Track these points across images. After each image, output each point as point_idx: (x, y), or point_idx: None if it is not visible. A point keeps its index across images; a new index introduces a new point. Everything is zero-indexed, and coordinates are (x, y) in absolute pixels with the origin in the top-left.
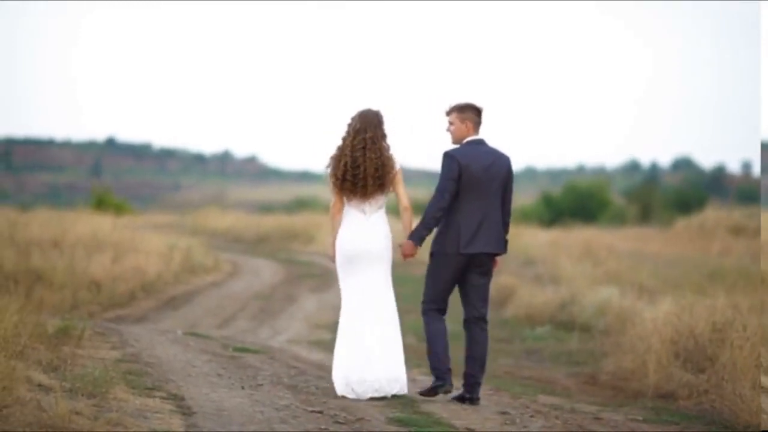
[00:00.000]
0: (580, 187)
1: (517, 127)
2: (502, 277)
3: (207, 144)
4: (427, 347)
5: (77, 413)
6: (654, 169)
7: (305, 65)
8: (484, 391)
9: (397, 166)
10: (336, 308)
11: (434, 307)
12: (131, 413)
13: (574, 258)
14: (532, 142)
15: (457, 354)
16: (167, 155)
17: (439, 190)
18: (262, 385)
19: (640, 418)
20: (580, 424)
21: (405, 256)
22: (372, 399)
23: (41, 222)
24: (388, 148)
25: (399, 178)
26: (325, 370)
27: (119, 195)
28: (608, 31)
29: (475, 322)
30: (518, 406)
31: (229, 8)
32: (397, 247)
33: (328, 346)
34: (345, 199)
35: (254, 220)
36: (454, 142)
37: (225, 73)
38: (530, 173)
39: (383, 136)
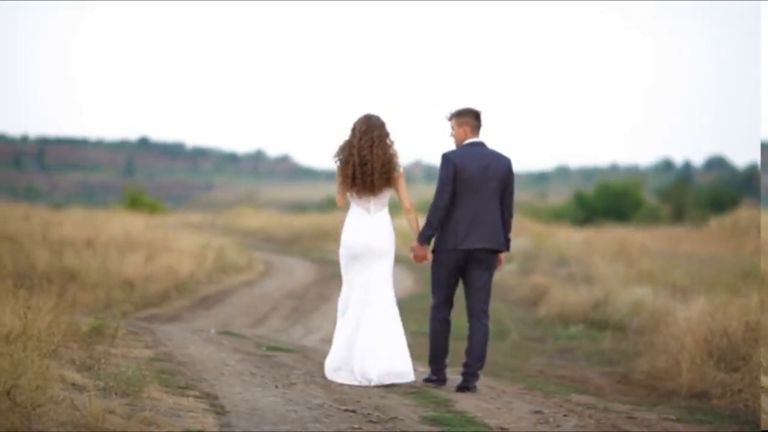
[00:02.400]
0: (613, 186)
1: (550, 126)
2: (535, 276)
3: (240, 143)
4: (429, 342)
5: (111, 412)
6: (687, 168)
7: (338, 65)
8: (517, 391)
9: (401, 168)
10: None
11: (439, 301)
12: (164, 412)
13: (607, 257)
14: (565, 141)
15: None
16: (200, 155)
17: (438, 191)
18: (295, 384)
19: (674, 418)
20: (614, 423)
21: (417, 258)
22: (391, 392)
23: (74, 221)
24: (392, 145)
25: (402, 181)
26: None
27: (152, 194)
28: (642, 29)
29: (475, 316)
30: (551, 405)
31: (265, 8)
32: (409, 250)
33: None
34: (352, 196)
35: (287, 219)
36: (456, 145)
37: (258, 73)
38: (563, 172)
39: (388, 136)
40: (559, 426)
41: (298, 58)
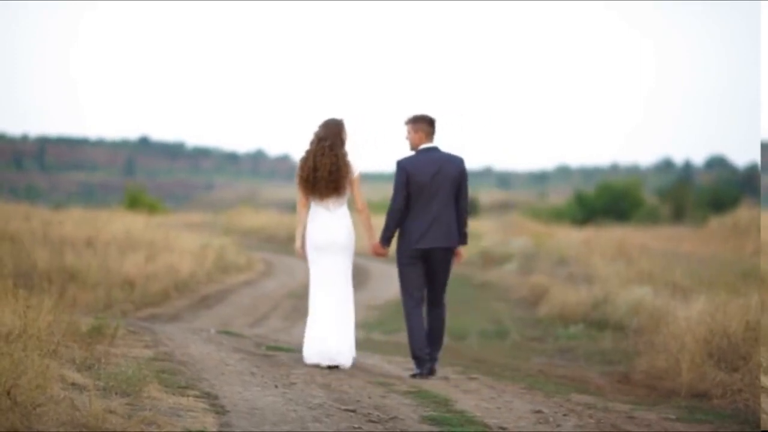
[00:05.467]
0: (614, 186)
1: (551, 125)
2: (535, 276)
3: (240, 143)
4: (408, 336)
5: (111, 412)
6: (687, 167)
7: (339, 65)
8: (517, 390)
9: (356, 172)
10: (370, 307)
11: (410, 299)
12: (165, 412)
13: (607, 257)
14: (566, 140)
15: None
16: (200, 154)
17: (393, 196)
18: (295, 383)
19: (674, 417)
20: (614, 422)
21: (375, 255)
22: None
23: (75, 221)
24: (345, 155)
25: (356, 183)
26: (358, 368)
27: (152, 194)
28: (642, 29)
29: (434, 307)
30: (551, 404)
31: (265, 8)
32: (369, 247)
33: (362, 345)
34: (310, 197)
35: (287, 219)
36: (411, 150)
37: (258, 73)
38: (563, 172)
39: (342, 144)
40: (559, 426)
41: (298, 58)
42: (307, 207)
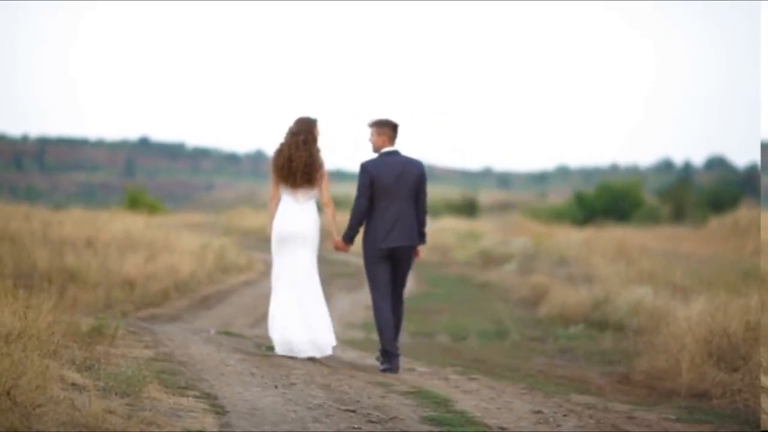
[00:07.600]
0: (614, 186)
1: (551, 126)
2: (535, 276)
3: (240, 143)
4: (378, 331)
5: (111, 412)
6: (687, 168)
7: (339, 66)
8: (517, 391)
9: (324, 168)
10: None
11: (378, 295)
12: (164, 412)
13: (607, 257)
14: (566, 140)
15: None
16: (200, 155)
17: (356, 198)
18: (295, 384)
19: (674, 417)
20: (614, 423)
21: (336, 249)
22: (305, 360)
23: (75, 221)
24: (317, 151)
25: (324, 179)
26: (359, 369)
27: (152, 194)
28: (642, 29)
29: (393, 303)
30: (552, 404)
31: (265, 8)
32: (331, 241)
33: (362, 345)
34: (284, 188)
35: None
36: (373, 152)
37: (259, 73)
38: (563, 172)
39: (314, 140)
40: (559, 426)
41: (298, 59)
42: (277, 200)
